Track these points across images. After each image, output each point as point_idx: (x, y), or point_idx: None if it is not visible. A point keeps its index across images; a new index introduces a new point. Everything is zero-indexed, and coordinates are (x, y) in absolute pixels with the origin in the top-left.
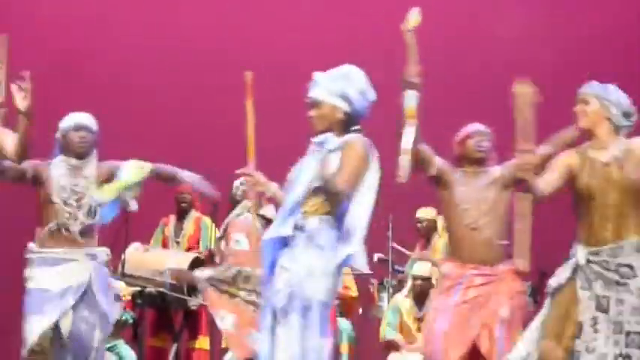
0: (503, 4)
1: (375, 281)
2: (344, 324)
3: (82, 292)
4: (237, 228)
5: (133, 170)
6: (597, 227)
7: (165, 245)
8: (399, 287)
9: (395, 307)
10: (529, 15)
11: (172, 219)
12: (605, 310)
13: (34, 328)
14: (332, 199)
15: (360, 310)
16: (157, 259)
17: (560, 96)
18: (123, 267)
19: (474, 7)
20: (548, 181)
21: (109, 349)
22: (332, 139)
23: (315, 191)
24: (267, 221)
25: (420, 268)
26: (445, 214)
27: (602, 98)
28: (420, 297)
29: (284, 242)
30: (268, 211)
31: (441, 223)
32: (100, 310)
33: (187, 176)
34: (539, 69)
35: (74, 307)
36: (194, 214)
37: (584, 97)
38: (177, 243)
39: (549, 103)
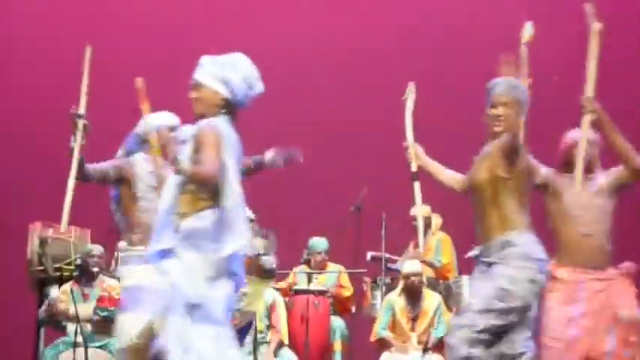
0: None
1: (368, 279)
2: (337, 322)
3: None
4: None
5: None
6: (479, 225)
7: None
8: (392, 285)
9: (388, 306)
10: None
11: None
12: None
13: (134, 324)
14: (203, 191)
15: (354, 309)
16: None
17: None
18: (116, 265)
19: (473, 7)
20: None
21: (101, 347)
22: (185, 130)
23: (185, 187)
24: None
25: (411, 266)
26: (554, 220)
27: (516, 99)
28: (413, 295)
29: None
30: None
31: (435, 221)
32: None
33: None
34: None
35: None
36: None
37: (502, 100)
38: None
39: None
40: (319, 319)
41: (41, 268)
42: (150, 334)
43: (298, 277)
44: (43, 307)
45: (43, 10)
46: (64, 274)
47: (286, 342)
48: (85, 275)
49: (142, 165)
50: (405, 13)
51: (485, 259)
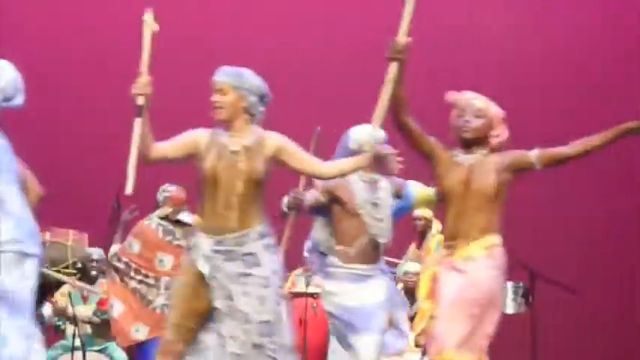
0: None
1: None
2: None
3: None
4: (133, 232)
5: (419, 190)
6: (221, 215)
7: None
8: None
9: None
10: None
11: None
12: (232, 299)
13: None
14: None
15: None
16: None
17: (553, 95)
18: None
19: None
20: (165, 147)
21: (100, 351)
22: None
23: None
24: (184, 225)
25: (411, 266)
26: None
27: (238, 88)
28: (410, 295)
29: None
30: (186, 217)
31: (436, 224)
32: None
33: None
34: (530, 65)
35: None
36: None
37: (220, 87)
38: None
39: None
40: (317, 321)
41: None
42: None
43: (296, 279)
44: (40, 314)
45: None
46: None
47: None
48: (84, 278)
49: (356, 183)
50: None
51: (235, 249)
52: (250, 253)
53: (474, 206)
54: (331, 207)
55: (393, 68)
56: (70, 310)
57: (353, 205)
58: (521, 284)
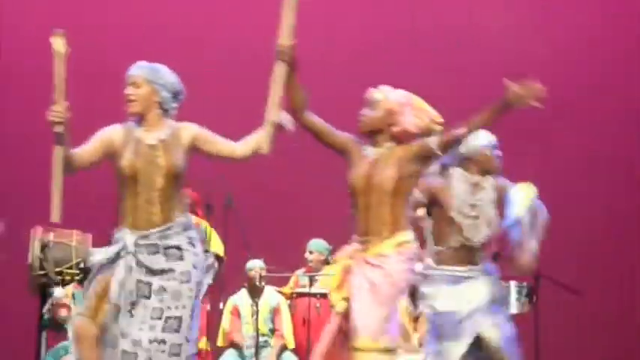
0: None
1: None
2: None
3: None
4: None
5: (523, 193)
6: (144, 211)
7: None
8: None
9: None
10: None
11: None
12: (146, 296)
13: (453, 354)
14: None
15: None
16: None
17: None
18: None
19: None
20: (83, 153)
21: None
22: None
23: None
24: None
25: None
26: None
27: (152, 82)
28: (414, 295)
29: None
30: None
31: None
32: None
33: None
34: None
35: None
36: (193, 218)
37: (134, 80)
38: None
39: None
40: (321, 322)
41: (42, 272)
42: None
43: (299, 280)
44: (47, 307)
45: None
46: (66, 277)
47: (291, 347)
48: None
49: (459, 182)
50: (410, 14)
51: (159, 242)
52: (174, 247)
53: (377, 201)
54: (431, 208)
55: (279, 69)
56: (72, 312)
57: (451, 206)
58: (524, 284)
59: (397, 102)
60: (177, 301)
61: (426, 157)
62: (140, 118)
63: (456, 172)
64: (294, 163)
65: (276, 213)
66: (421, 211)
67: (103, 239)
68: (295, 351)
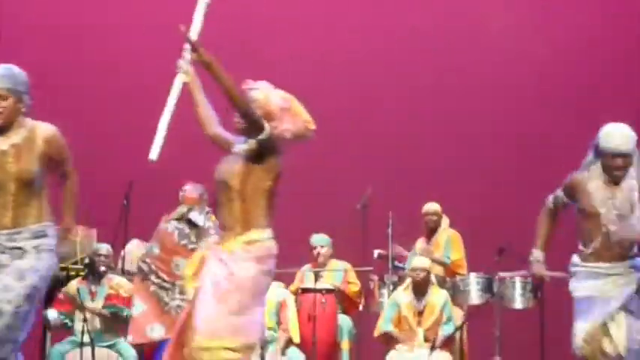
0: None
1: (375, 277)
2: (345, 321)
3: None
4: (154, 235)
5: None
6: None
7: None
8: (399, 284)
9: (393, 302)
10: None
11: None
12: None
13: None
14: None
15: (362, 306)
16: None
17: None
18: (123, 263)
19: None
20: None
21: (109, 347)
22: None
23: None
24: (194, 226)
25: (419, 261)
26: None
27: (16, 91)
28: (419, 289)
29: None
30: (196, 216)
31: (445, 219)
32: None
33: None
34: (537, 66)
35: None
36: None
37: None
38: None
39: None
40: (326, 317)
41: None
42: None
43: (305, 275)
44: (45, 317)
45: None
46: (71, 273)
47: (297, 341)
48: (92, 274)
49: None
50: (411, 14)
51: (6, 244)
52: (18, 247)
53: (227, 197)
54: (573, 206)
55: (177, 82)
56: (78, 303)
57: (589, 204)
58: (529, 279)
59: (278, 106)
60: (6, 294)
61: (261, 155)
62: (4, 128)
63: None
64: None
65: (281, 210)
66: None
67: (108, 235)
68: (300, 346)
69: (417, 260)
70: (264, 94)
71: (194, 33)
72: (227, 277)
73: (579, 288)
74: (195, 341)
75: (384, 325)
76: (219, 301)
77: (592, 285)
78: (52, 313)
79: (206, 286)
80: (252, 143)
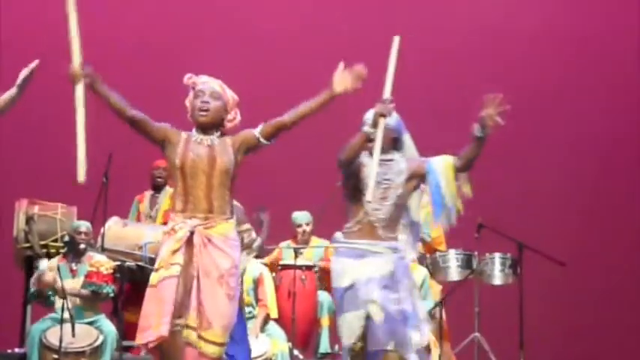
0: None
1: None
2: (325, 297)
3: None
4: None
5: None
6: None
7: (139, 221)
8: None
9: None
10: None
11: (147, 194)
12: None
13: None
14: None
15: None
16: (136, 234)
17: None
18: (102, 241)
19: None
20: None
21: (90, 324)
22: None
23: None
24: None
25: None
26: None
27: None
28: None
29: None
30: None
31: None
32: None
33: None
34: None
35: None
36: (169, 189)
37: None
38: (151, 217)
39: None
40: (306, 294)
41: (27, 245)
42: None
43: (284, 252)
44: (33, 280)
45: None
46: (51, 250)
47: (275, 316)
48: (72, 251)
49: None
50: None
51: None
52: None
53: (219, 182)
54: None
55: (78, 92)
56: (58, 284)
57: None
58: (508, 255)
59: (233, 98)
60: None
61: (253, 148)
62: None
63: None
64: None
65: (264, 187)
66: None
67: (87, 212)
68: (279, 321)
69: None
70: (221, 87)
71: None
72: (233, 271)
73: None
74: (211, 334)
75: None
76: (229, 299)
77: None
78: (43, 263)
79: (212, 277)
80: (239, 140)
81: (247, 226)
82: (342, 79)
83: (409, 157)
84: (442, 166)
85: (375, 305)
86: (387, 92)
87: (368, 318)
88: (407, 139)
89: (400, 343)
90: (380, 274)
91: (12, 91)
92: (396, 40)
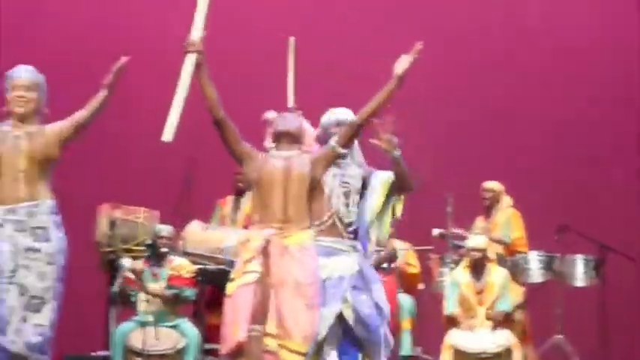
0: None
1: (435, 256)
2: (405, 300)
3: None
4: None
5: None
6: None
7: (223, 225)
8: (459, 262)
9: (454, 282)
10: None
11: (230, 199)
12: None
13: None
14: None
15: (423, 286)
16: (217, 237)
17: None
18: (184, 245)
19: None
20: None
21: (172, 327)
22: None
23: None
24: None
25: (476, 240)
26: None
27: (40, 91)
28: (477, 269)
29: None
30: None
31: (506, 198)
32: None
33: None
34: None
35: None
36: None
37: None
38: (234, 221)
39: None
40: (386, 296)
41: (110, 249)
42: None
43: None
44: (118, 280)
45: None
46: (133, 254)
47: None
48: (154, 255)
49: None
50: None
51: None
52: (41, 227)
53: (294, 190)
54: None
55: (188, 61)
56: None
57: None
58: (591, 257)
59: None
60: (40, 282)
61: (332, 157)
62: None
63: None
64: None
65: None
66: (491, 185)
67: (169, 216)
68: None
69: (472, 240)
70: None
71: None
72: (310, 281)
73: None
74: (292, 344)
75: (449, 307)
76: (308, 308)
77: None
78: (127, 262)
79: (289, 287)
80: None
81: None
82: (400, 62)
83: (358, 162)
84: (380, 181)
85: (347, 306)
86: (290, 100)
87: (340, 316)
88: (355, 145)
89: (369, 344)
90: (349, 274)
91: (102, 93)
92: (292, 41)
